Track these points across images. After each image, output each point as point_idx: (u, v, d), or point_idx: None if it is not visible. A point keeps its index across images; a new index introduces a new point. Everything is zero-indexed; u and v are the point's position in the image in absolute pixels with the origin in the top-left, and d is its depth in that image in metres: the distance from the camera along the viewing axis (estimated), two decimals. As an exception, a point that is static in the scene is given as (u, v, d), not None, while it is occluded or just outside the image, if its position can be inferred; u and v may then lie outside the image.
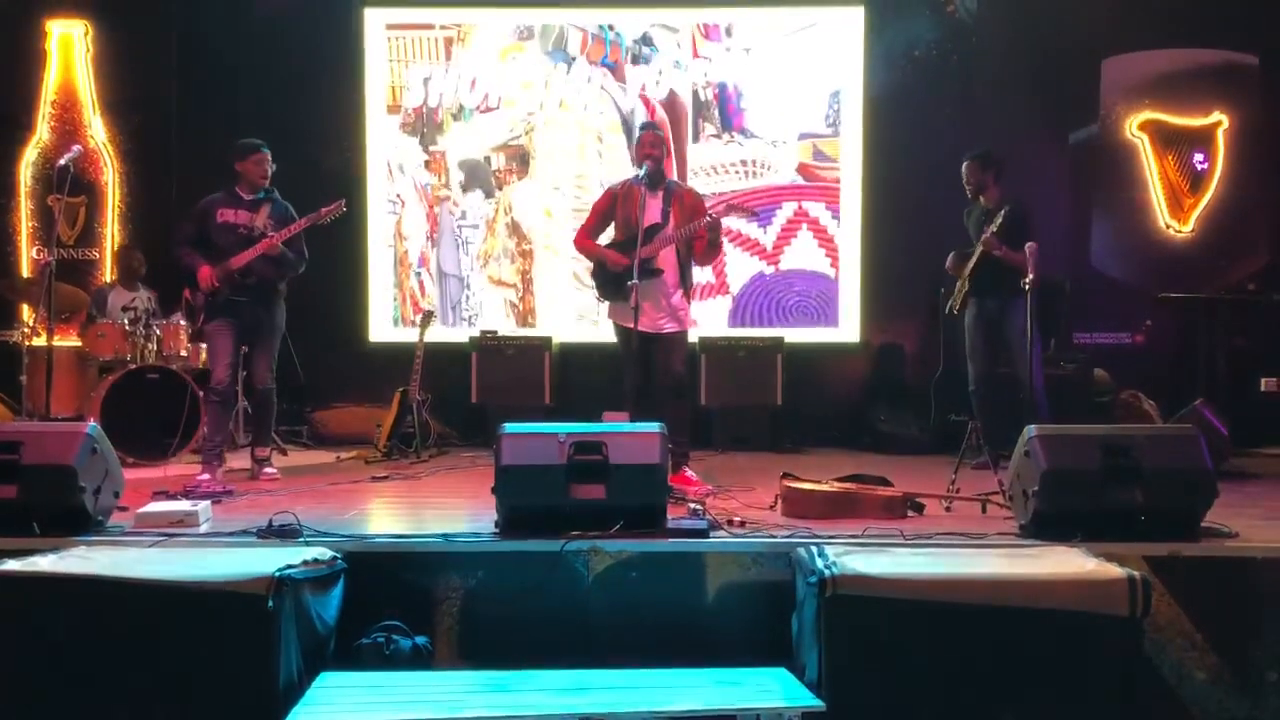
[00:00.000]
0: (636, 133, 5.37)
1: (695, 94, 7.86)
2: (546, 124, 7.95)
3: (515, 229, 7.98)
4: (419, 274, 8.00)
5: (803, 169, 7.86)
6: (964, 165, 6.10)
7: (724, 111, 7.88)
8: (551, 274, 7.96)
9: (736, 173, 7.86)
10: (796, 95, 7.84)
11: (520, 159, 7.97)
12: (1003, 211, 5.69)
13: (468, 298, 7.99)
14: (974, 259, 5.86)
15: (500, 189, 7.97)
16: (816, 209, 7.84)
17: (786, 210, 7.71)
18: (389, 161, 8.01)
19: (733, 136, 7.88)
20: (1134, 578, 3.00)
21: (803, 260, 7.87)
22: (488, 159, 7.99)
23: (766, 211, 7.65)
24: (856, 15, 7.85)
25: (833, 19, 7.87)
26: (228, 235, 5.46)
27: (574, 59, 7.91)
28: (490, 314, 7.96)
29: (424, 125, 8.00)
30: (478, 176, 8.00)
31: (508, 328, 7.85)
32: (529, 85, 7.94)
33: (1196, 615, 3.49)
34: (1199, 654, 3.48)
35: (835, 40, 7.86)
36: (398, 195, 8.01)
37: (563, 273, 7.92)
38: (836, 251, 7.86)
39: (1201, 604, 3.50)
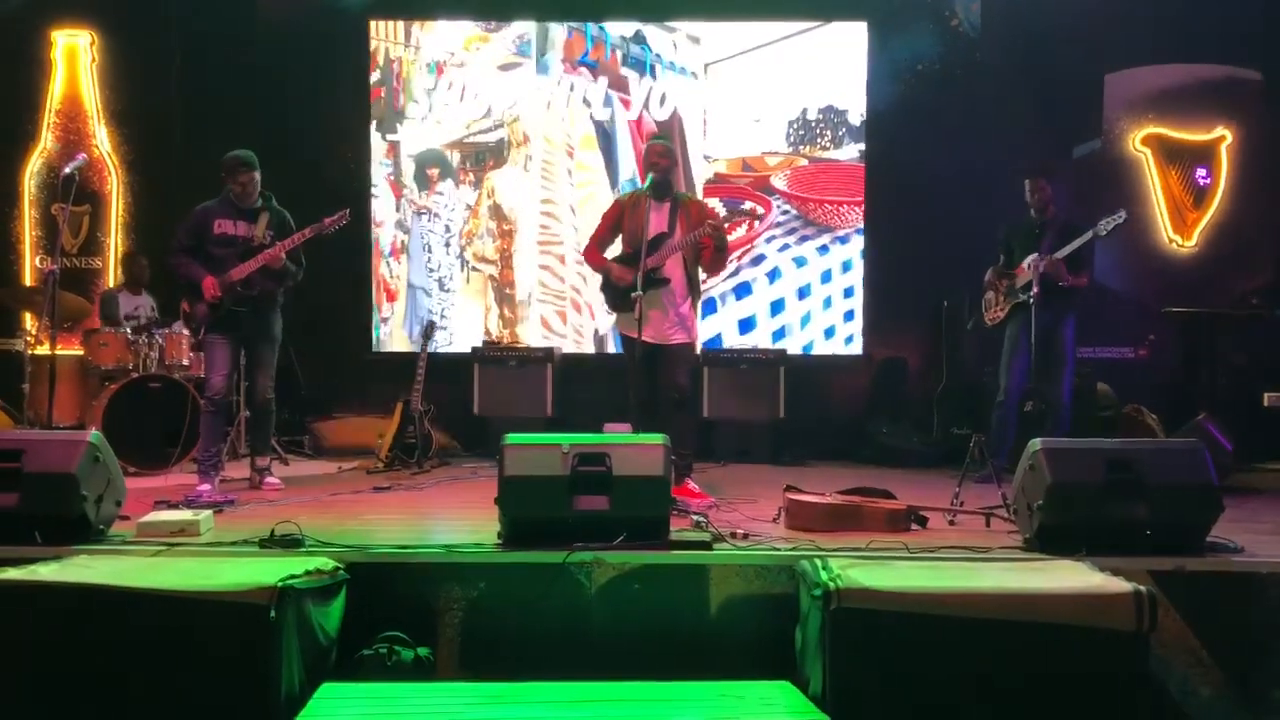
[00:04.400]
0: (644, 143, 5.37)
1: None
2: (516, 119, 8.02)
3: (497, 212, 8.02)
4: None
5: (718, 175, 7.97)
6: (1033, 181, 6.07)
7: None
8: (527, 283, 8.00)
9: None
10: (764, 114, 7.93)
11: (479, 156, 7.99)
12: (1085, 237, 5.70)
13: (436, 308, 8.00)
14: (1034, 277, 5.79)
15: (478, 174, 8.02)
16: (712, 201, 7.87)
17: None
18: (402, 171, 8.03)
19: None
20: (1140, 592, 2.98)
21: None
22: (451, 154, 8.03)
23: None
24: (860, 30, 7.88)
25: (836, 33, 7.90)
26: (226, 246, 5.39)
27: (545, 58, 7.99)
28: (463, 328, 7.95)
29: (385, 115, 8.04)
30: (446, 170, 8.05)
31: (474, 340, 7.80)
32: (495, 80, 7.98)
33: (1202, 630, 3.48)
34: (1204, 670, 3.46)
35: (824, 55, 7.90)
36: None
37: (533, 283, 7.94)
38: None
39: (1207, 619, 3.49)
